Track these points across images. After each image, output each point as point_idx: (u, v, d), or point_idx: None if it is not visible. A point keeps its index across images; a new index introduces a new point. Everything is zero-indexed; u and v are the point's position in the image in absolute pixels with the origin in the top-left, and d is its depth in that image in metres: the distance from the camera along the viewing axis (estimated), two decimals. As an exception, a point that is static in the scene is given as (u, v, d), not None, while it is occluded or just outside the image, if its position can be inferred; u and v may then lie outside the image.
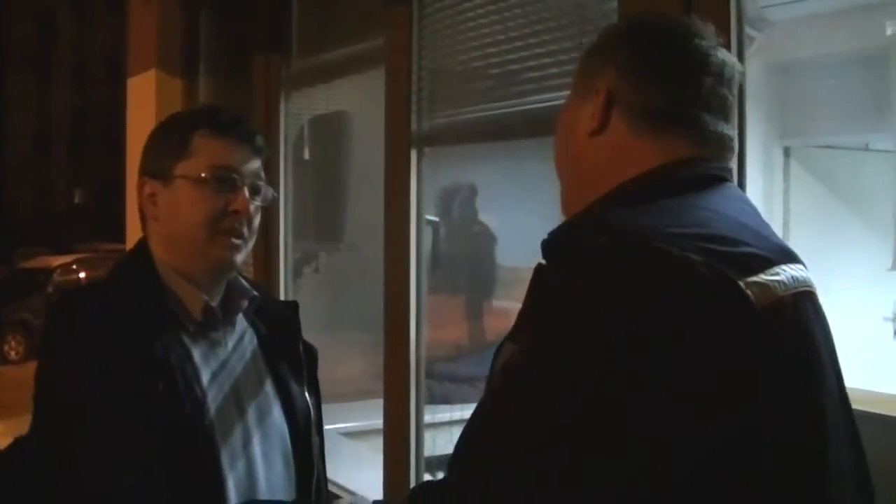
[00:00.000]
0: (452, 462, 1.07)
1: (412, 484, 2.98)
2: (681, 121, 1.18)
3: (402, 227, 3.01)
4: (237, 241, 1.66)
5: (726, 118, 1.21)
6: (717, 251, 1.02)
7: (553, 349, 1.01)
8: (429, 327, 3.09)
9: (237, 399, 1.68)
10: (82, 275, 16.60)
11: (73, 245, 23.81)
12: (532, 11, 2.59)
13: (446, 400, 3.92)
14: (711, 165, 1.19)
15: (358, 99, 4.19)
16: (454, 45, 2.92)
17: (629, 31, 1.26)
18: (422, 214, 3.04)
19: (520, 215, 4.79)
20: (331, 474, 1.92)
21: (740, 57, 1.90)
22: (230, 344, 1.72)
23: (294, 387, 1.78)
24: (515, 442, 0.99)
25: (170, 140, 1.68)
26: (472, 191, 5.04)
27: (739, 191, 1.22)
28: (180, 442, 1.53)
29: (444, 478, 1.08)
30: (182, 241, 1.65)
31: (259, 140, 1.72)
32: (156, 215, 1.68)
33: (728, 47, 1.38)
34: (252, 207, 1.67)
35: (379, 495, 2.94)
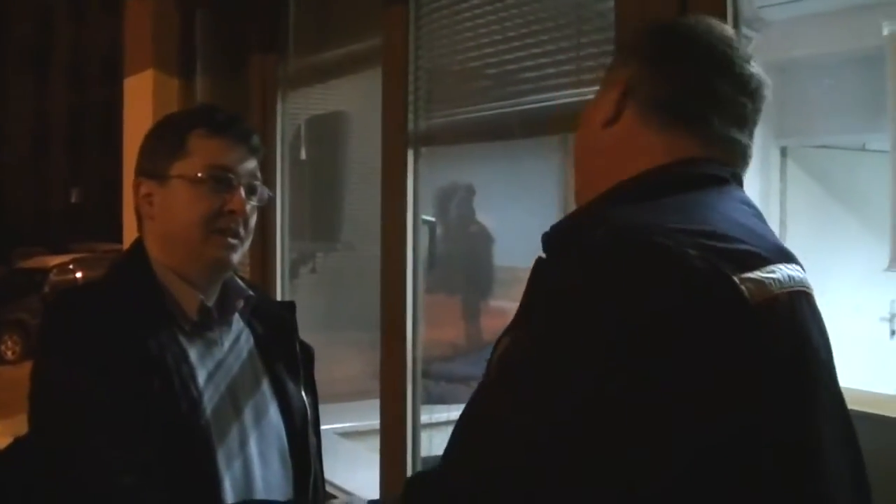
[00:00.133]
0: (446, 454, 1.06)
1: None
2: (691, 120, 1.19)
3: (399, 227, 3.01)
4: (233, 241, 1.66)
5: (740, 126, 1.21)
6: (714, 247, 1.02)
7: (552, 345, 1.01)
8: (426, 327, 3.09)
9: (234, 399, 1.68)
10: (79, 275, 16.58)
11: (71, 245, 23.78)
12: (529, 11, 2.59)
13: (443, 400, 3.92)
14: (715, 166, 1.19)
15: (355, 99, 4.19)
16: (451, 44, 2.92)
17: (658, 28, 1.28)
18: (418, 214, 3.04)
19: (517, 215, 4.79)
20: (327, 474, 1.92)
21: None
22: (226, 344, 1.72)
23: (291, 386, 1.78)
24: (512, 439, 0.99)
25: (166, 140, 1.68)
26: (470, 191, 5.04)
27: (743, 193, 1.22)
28: (176, 442, 1.53)
29: (438, 472, 1.07)
30: (178, 240, 1.65)
31: (255, 140, 1.72)
32: (152, 215, 1.68)
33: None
34: (248, 207, 1.67)
35: (376, 495, 2.94)
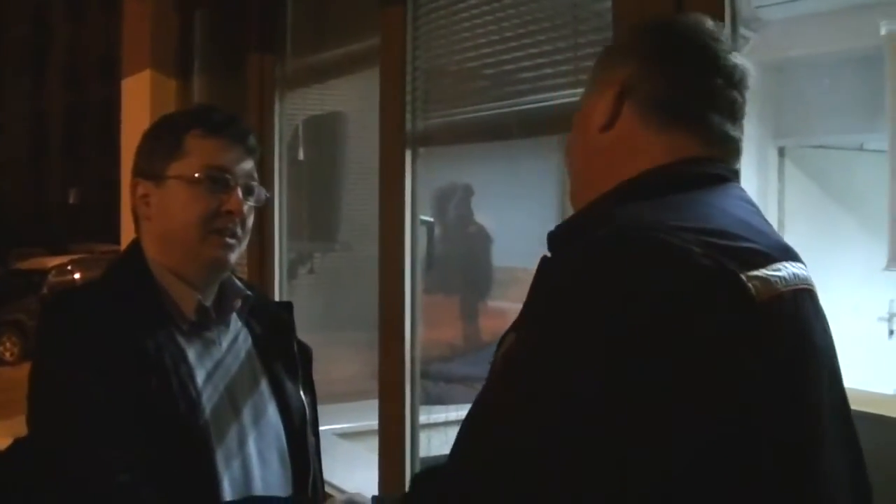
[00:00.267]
0: (453, 452, 1.07)
1: (407, 484, 2.98)
2: (691, 119, 1.19)
3: (397, 227, 3.01)
4: (231, 241, 1.66)
5: (734, 120, 1.22)
6: (718, 245, 1.02)
7: (556, 343, 1.01)
8: (424, 327, 3.09)
9: (232, 399, 1.68)
10: (77, 276, 16.55)
11: (69, 246, 23.76)
12: (526, 11, 2.59)
13: (441, 400, 3.92)
14: (717, 165, 1.19)
15: (353, 99, 4.19)
16: (449, 45, 2.92)
17: (654, 28, 1.27)
18: (416, 214, 3.04)
19: (515, 215, 4.78)
20: (326, 475, 1.92)
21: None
22: (225, 343, 1.72)
23: (289, 386, 1.79)
24: (517, 436, 0.99)
25: (163, 140, 1.68)
26: (468, 191, 5.04)
27: (743, 191, 1.22)
28: (175, 442, 1.53)
29: (444, 469, 1.08)
30: (175, 240, 1.65)
31: (252, 140, 1.72)
32: (149, 216, 1.68)
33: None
34: (245, 208, 1.67)
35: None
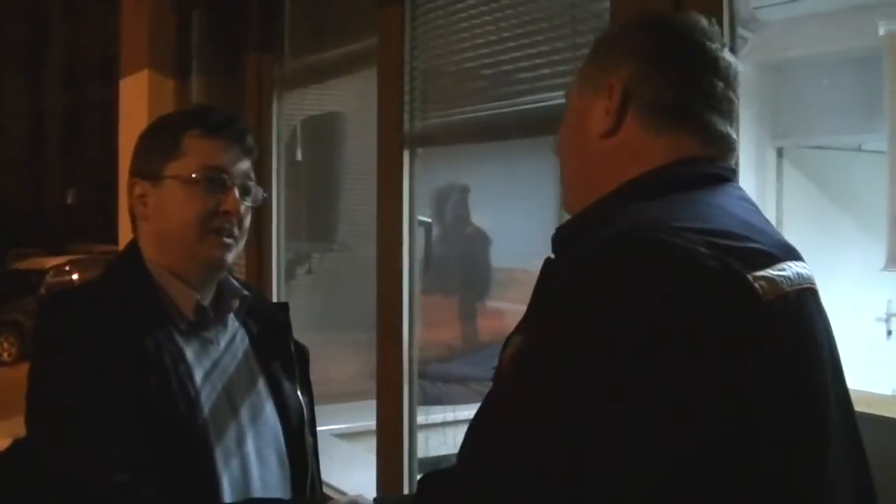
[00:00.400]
0: (461, 453, 1.07)
1: (405, 485, 2.98)
2: (691, 120, 1.19)
3: (395, 227, 3.00)
4: (228, 241, 1.66)
5: (731, 120, 1.22)
6: (724, 245, 1.02)
7: (564, 345, 1.00)
8: (422, 328, 3.09)
9: (230, 398, 1.68)
10: (75, 276, 16.54)
11: (67, 246, 23.73)
12: (524, 12, 2.59)
13: (439, 400, 3.92)
14: (717, 165, 1.19)
15: (351, 99, 4.19)
16: (447, 45, 2.92)
17: (650, 27, 1.25)
18: (414, 215, 3.04)
19: (513, 216, 4.79)
20: (324, 475, 1.91)
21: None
22: (222, 343, 1.72)
23: (287, 386, 1.79)
24: (525, 438, 0.99)
25: (160, 140, 1.67)
26: (465, 191, 5.04)
27: (742, 190, 1.22)
28: (175, 441, 1.52)
29: (453, 470, 1.08)
30: (173, 240, 1.65)
31: (249, 140, 1.72)
32: (146, 216, 1.68)
33: (721, 48, 1.38)
34: (242, 208, 1.67)
35: (373, 496, 2.93)
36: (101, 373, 1.48)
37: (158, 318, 1.62)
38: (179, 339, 1.63)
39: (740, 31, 2.02)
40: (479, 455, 1.05)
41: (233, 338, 1.75)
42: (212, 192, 1.64)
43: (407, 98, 3.00)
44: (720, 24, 1.85)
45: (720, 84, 1.19)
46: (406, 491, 2.97)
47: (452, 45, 2.89)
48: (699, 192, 1.14)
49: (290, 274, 4.17)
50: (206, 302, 1.69)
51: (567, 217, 1.26)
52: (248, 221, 1.70)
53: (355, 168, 4.27)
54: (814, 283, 1.14)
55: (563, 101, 2.36)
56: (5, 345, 15.29)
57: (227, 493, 1.59)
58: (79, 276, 16.38)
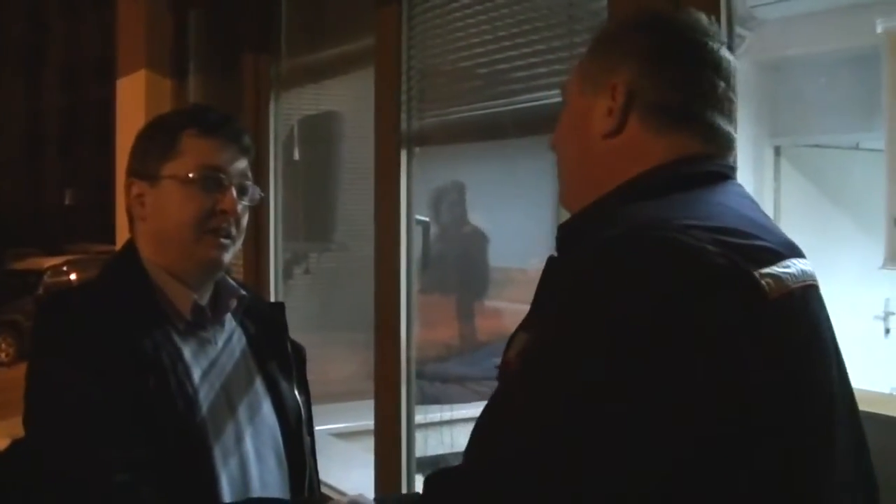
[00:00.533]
0: (467, 451, 1.07)
1: (403, 484, 2.98)
2: (692, 119, 1.18)
3: (393, 227, 3.00)
4: (225, 241, 1.66)
5: (730, 117, 1.22)
6: (730, 243, 1.02)
7: (571, 343, 1.00)
8: (420, 327, 3.08)
9: (228, 397, 1.68)
10: (73, 276, 16.54)
11: (64, 246, 23.71)
12: (521, 11, 2.58)
13: (437, 400, 3.92)
14: (716, 162, 1.19)
15: (348, 99, 4.19)
16: (444, 44, 2.92)
17: (651, 26, 1.24)
18: (412, 214, 3.04)
19: (510, 215, 4.79)
20: (322, 475, 1.92)
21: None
22: (220, 343, 1.72)
23: (284, 385, 1.79)
24: (531, 436, 0.99)
25: (157, 140, 1.67)
26: (463, 191, 5.04)
27: (742, 187, 1.22)
28: (173, 440, 1.53)
29: (459, 468, 1.08)
30: (170, 240, 1.65)
31: (246, 140, 1.72)
32: (143, 216, 1.68)
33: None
34: (240, 207, 1.67)
35: (371, 496, 2.93)
36: (100, 373, 1.48)
37: (156, 317, 1.62)
38: (177, 339, 1.63)
39: (737, 29, 2.02)
40: (483, 454, 1.05)
41: (230, 337, 1.75)
42: (209, 192, 1.64)
43: (404, 97, 3.00)
44: (717, 21, 1.86)
45: (721, 84, 1.19)
46: (404, 490, 2.97)
47: (450, 45, 2.88)
48: (700, 190, 1.14)
49: (287, 274, 4.16)
50: (204, 302, 1.70)
51: (566, 215, 1.26)
52: (245, 221, 1.70)
53: (353, 168, 4.27)
54: (816, 280, 1.14)
55: (560, 100, 2.37)
56: (3, 345, 15.29)
57: (226, 491, 1.59)
58: (76, 276, 16.38)
